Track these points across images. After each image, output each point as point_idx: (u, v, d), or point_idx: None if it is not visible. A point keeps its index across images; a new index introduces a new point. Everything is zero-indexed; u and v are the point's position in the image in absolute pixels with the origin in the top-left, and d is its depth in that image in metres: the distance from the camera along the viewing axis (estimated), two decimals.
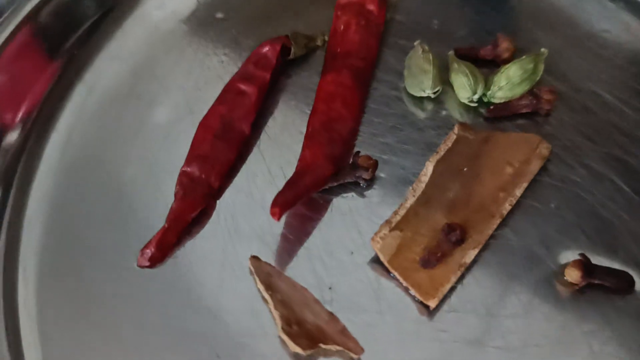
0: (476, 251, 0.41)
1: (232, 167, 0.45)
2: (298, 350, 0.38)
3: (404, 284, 0.41)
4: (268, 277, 0.41)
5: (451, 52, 0.48)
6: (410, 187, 0.43)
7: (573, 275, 0.40)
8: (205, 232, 0.44)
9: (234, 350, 0.40)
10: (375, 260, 0.42)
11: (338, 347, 0.38)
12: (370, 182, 0.45)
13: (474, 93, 0.46)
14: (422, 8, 0.52)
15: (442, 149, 0.43)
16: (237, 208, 0.44)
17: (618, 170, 0.44)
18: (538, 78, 0.47)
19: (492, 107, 0.46)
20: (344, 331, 0.39)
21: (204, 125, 0.45)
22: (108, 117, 0.48)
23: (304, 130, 0.46)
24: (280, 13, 0.52)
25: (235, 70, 0.49)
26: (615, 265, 0.42)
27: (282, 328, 0.38)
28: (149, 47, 0.51)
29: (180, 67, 0.50)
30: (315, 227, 0.43)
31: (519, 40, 0.49)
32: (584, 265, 0.40)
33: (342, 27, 0.49)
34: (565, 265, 0.41)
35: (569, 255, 0.42)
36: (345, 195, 0.45)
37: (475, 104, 0.47)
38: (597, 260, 0.41)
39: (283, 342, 0.39)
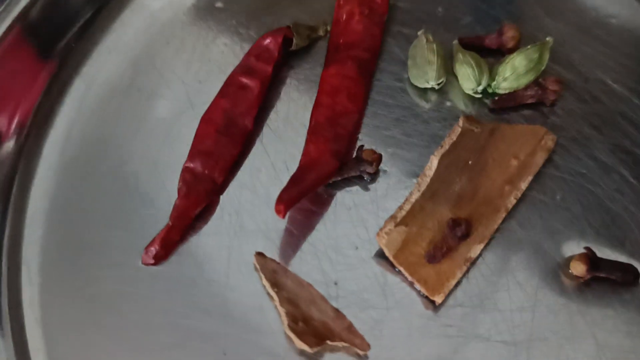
0: (482, 245, 0.42)
1: (235, 162, 0.46)
2: (305, 347, 0.39)
3: (410, 279, 0.42)
4: (274, 274, 0.41)
5: (456, 42, 0.48)
6: (416, 182, 0.44)
7: (578, 268, 0.41)
8: (209, 229, 0.44)
9: (240, 347, 0.41)
10: (381, 255, 0.43)
11: (344, 344, 0.39)
12: (374, 176, 0.45)
13: (479, 84, 0.46)
14: None
15: (447, 143, 0.44)
16: (242, 204, 0.45)
17: (626, 162, 0.45)
18: (543, 67, 0.47)
19: (497, 98, 0.47)
20: (350, 328, 0.40)
21: (206, 120, 0.46)
22: (108, 112, 0.48)
23: (307, 123, 0.47)
24: (280, 1, 0.52)
25: (236, 61, 0.49)
26: (622, 258, 0.43)
27: (288, 325, 0.39)
28: (147, 39, 0.51)
29: (180, 58, 0.50)
30: (319, 222, 0.44)
31: (524, 27, 0.49)
32: (590, 258, 0.41)
33: (344, 16, 0.49)
34: (571, 258, 0.42)
35: (575, 248, 0.43)
36: (349, 189, 0.45)
37: (480, 95, 0.47)
38: (604, 252, 0.42)
39: (290, 338, 0.40)
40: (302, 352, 0.40)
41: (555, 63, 0.48)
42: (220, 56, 0.50)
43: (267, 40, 0.47)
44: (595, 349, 0.40)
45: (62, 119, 0.48)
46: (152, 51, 0.51)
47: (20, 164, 0.47)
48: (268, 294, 0.42)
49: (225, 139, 0.45)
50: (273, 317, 0.41)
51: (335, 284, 0.42)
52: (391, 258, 0.42)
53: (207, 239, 0.44)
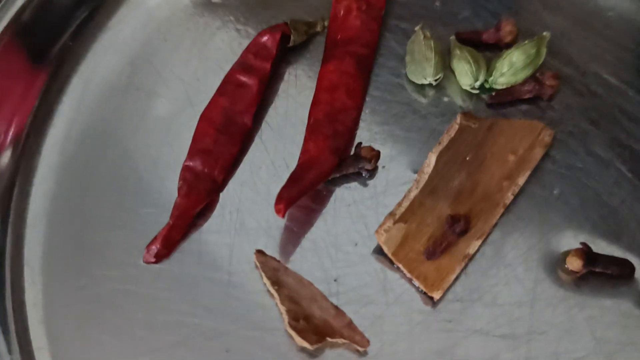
0: (480, 241, 0.43)
1: (235, 160, 0.47)
2: (305, 344, 0.40)
3: (409, 275, 0.42)
4: (274, 272, 0.42)
5: (453, 37, 0.49)
6: (414, 178, 0.45)
7: (575, 264, 0.42)
8: (210, 226, 0.45)
9: (243, 344, 0.42)
10: (380, 251, 0.44)
11: (345, 341, 0.40)
12: (372, 172, 0.46)
13: (476, 80, 0.47)
14: None
15: (445, 140, 0.44)
16: (242, 201, 0.46)
17: (623, 157, 0.46)
18: (541, 62, 0.48)
19: (494, 94, 0.47)
20: (350, 325, 0.41)
21: (205, 118, 0.47)
22: (107, 111, 0.49)
23: (306, 119, 0.47)
24: None
25: (235, 58, 0.49)
26: (619, 252, 0.43)
27: (289, 323, 0.40)
28: (144, 36, 0.52)
29: (178, 56, 0.51)
30: (319, 219, 0.45)
31: (522, 20, 0.50)
32: (586, 254, 0.42)
33: (342, 12, 0.50)
34: (568, 253, 0.43)
35: (573, 242, 0.44)
36: (348, 185, 0.46)
37: (477, 91, 0.48)
38: (601, 246, 0.43)
39: (291, 336, 0.41)
40: (303, 349, 0.41)
41: (552, 57, 0.49)
42: (218, 53, 0.51)
43: (265, 38, 0.48)
44: (593, 342, 0.41)
45: (61, 119, 0.49)
46: (150, 49, 0.51)
47: (20, 165, 0.47)
48: (269, 291, 0.43)
49: (224, 137, 0.46)
50: (275, 314, 0.42)
51: (336, 280, 0.43)
52: (390, 255, 0.42)
53: (208, 237, 0.45)
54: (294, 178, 0.43)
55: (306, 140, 0.46)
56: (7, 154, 0.48)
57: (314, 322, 0.41)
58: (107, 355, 0.42)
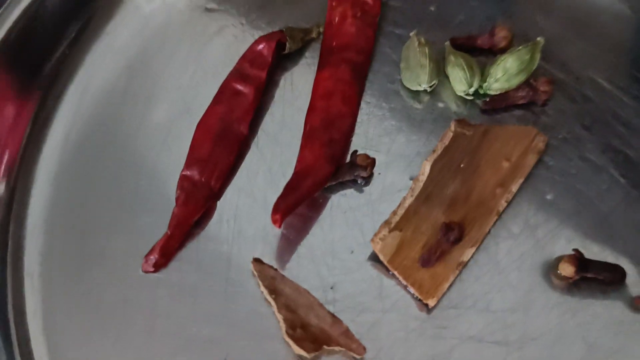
0: (474, 249, 0.44)
1: (232, 167, 0.47)
2: (302, 353, 0.41)
3: (404, 283, 0.43)
4: (272, 280, 0.43)
5: (447, 43, 0.49)
6: (409, 185, 0.45)
7: (567, 270, 0.43)
8: (208, 234, 0.46)
9: (241, 352, 0.42)
10: (376, 258, 0.44)
11: (341, 348, 0.41)
12: (368, 179, 0.47)
13: (470, 87, 0.48)
14: None
15: (440, 148, 0.45)
16: (239, 209, 0.46)
17: (616, 162, 0.47)
18: (535, 67, 0.48)
19: (488, 99, 0.48)
20: (347, 333, 0.42)
21: (202, 127, 0.47)
22: (105, 118, 0.50)
23: (302, 126, 0.48)
24: (272, 2, 0.53)
25: (231, 64, 0.50)
26: (611, 257, 0.44)
27: (286, 332, 0.41)
28: (140, 42, 0.52)
29: (175, 62, 0.51)
30: (315, 226, 0.46)
31: (516, 24, 0.51)
32: (578, 260, 0.43)
33: (337, 18, 0.50)
34: (560, 259, 0.44)
35: (566, 248, 0.44)
36: (344, 192, 0.47)
37: (472, 97, 0.48)
38: (593, 252, 0.44)
39: (288, 344, 0.42)
40: (300, 357, 0.42)
41: (546, 62, 0.50)
42: (214, 59, 0.51)
43: (261, 46, 0.48)
44: (585, 347, 0.42)
45: (59, 127, 0.49)
46: (146, 55, 0.52)
47: (19, 174, 0.48)
48: (266, 299, 0.43)
49: (221, 146, 0.47)
50: (272, 322, 0.43)
51: (332, 288, 0.44)
52: (386, 263, 0.43)
53: (206, 245, 0.46)
54: (290, 187, 0.44)
55: (302, 148, 0.47)
56: (5, 163, 0.48)
57: (310, 330, 0.42)
58: None
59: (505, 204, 0.45)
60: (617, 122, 0.48)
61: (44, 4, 0.50)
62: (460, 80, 0.48)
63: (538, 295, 0.43)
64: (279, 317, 0.42)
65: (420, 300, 0.43)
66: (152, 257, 0.44)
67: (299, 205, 0.44)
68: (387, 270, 0.44)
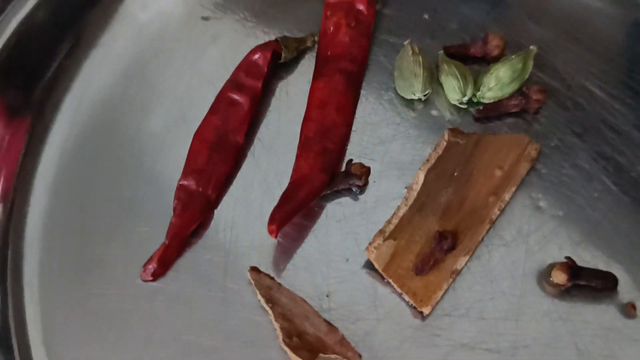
0: (467, 257, 0.45)
1: (228, 176, 0.48)
2: None
3: (399, 290, 0.44)
4: (268, 290, 0.44)
5: (441, 52, 0.50)
6: (404, 193, 0.46)
7: (559, 277, 0.44)
8: (205, 243, 0.47)
9: None
10: (371, 266, 0.45)
11: (337, 357, 0.42)
12: (363, 187, 0.48)
13: (464, 95, 0.49)
14: (412, 1, 0.54)
15: (433, 157, 0.46)
16: (235, 219, 0.47)
17: (607, 170, 0.48)
18: (527, 76, 0.49)
19: (481, 108, 0.49)
20: (342, 341, 0.43)
21: (198, 137, 0.48)
22: (102, 126, 0.51)
23: (297, 135, 0.49)
24: (268, 11, 0.54)
25: (226, 73, 0.51)
26: (602, 264, 0.45)
27: (283, 340, 0.42)
28: (136, 52, 0.53)
29: (170, 70, 0.52)
30: (311, 235, 0.47)
31: (509, 32, 0.52)
32: (570, 268, 0.44)
33: (331, 28, 0.51)
34: (553, 266, 0.45)
35: (557, 256, 0.45)
36: (339, 200, 0.48)
37: (465, 106, 0.49)
38: (585, 259, 0.45)
39: (284, 352, 0.43)
40: None
41: (538, 69, 0.51)
42: (210, 67, 0.52)
43: (256, 56, 0.49)
44: (577, 354, 0.43)
45: (56, 136, 0.50)
46: (142, 64, 0.53)
47: (18, 184, 0.49)
48: (263, 307, 0.44)
49: (217, 156, 0.48)
50: (268, 330, 0.44)
51: (327, 296, 0.45)
52: (381, 271, 0.44)
53: (203, 254, 0.47)
54: (285, 197, 0.45)
55: (297, 158, 0.48)
56: (4, 174, 0.49)
57: (307, 338, 0.43)
58: None
59: (498, 213, 0.46)
60: (609, 129, 0.49)
61: (40, 15, 0.51)
62: (453, 89, 0.49)
63: (530, 302, 0.44)
64: (276, 325, 0.43)
65: (414, 308, 0.44)
66: (150, 266, 0.45)
67: (294, 215, 0.45)
68: (382, 278, 0.45)
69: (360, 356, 0.43)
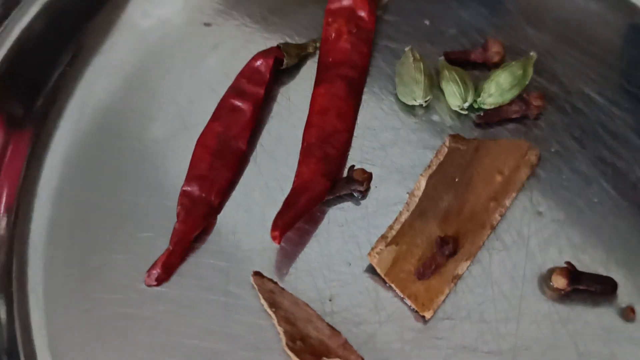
0: (468, 262, 0.46)
1: (231, 182, 0.49)
2: None
3: (401, 295, 0.45)
4: (271, 294, 0.45)
5: (441, 58, 0.51)
6: (405, 198, 0.47)
7: (560, 282, 0.45)
8: (207, 248, 0.48)
9: None
10: (373, 271, 0.46)
11: None
12: (364, 193, 0.49)
13: (465, 101, 0.50)
14: (412, 7, 0.55)
15: (435, 163, 0.47)
16: (237, 224, 0.48)
17: (606, 174, 0.49)
18: (527, 82, 0.50)
19: (482, 114, 0.50)
20: (345, 345, 0.44)
21: (201, 143, 0.49)
22: (104, 133, 0.51)
23: (299, 141, 0.50)
24: (269, 17, 0.55)
25: (227, 80, 0.52)
26: (602, 268, 0.46)
27: (287, 344, 0.43)
28: (137, 59, 0.54)
29: (171, 78, 0.53)
30: (313, 240, 0.48)
31: (508, 38, 0.53)
32: (570, 272, 0.45)
33: (333, 35, 0.52)
34: (552, 270, 0.46)
35: (557, 260, 0.47)
36: (340, 206, 0.49)
37: (466, 112, 0.51)
38: (584, 263, 0.46)
39: (287, 356, 0.44)
40: None
41: (538, 75, 0.52)
42: (211, 74, 0.53)
43: (258, 62, 0.50)
44: (577, 356, 0.44)
45: (59, 145, 0.51)
46: (143, 71, 0.53)
47: (21, 191, 0.50)
48: (266, 312, 0.45)
49: (219, 162, 0.49)
50: (271, 334, 0.45)
51: (330, 300, 0.46)
52: (383, 276, 0.45)
53: (206, 260, 0.47)
54: (288, 203, 0.46)
55: (299, 164, 0.49)
56: (8, 182, 0.50)
57: (310, 342, 0.44)
58: None
59: (499, 218, 0.47)
60: (608, 134, 0.50)
61: (41, 24, 0.52)
62: (454, 95, 0.50)
63: (530, 306, 0.46)
64: (279, 329, 0.44)
65: (415, 311, 0.45)
66: (154, 271, 0.46)
67: (297, 221, 0.46)
68: (384, 282, 0.46)
69: (362, 359, 0.44)
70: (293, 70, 0.53)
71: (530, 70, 0.50)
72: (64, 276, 0.47)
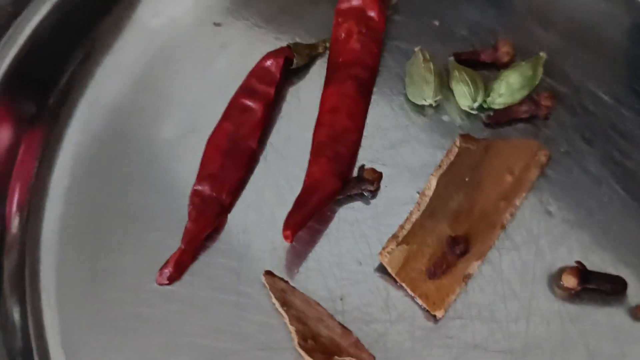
0: (479, 262, 0.47)
1: (242, 181, 0.50)
2: None
3: (412, 294, 0.46)
4: (282, 293, 0.46)
5: (451, 58, 0.52)
6: (416, 198, 0.48)
7: (570, 281, 0.46)
8: (218, 247, 0.49)
9: None
10: (383, 270, 0.47)
11: (351, 358, 0.44)
12: (374, 192, 0.50)
13: (474, 101, 0.50)
14: (422, 7, 0.56)
15: (445, 163, 0.48)
16: (248, 223, 0.49)
17: (616, 175, 0.50)
18: (537, 82, 0.51)
19: (492, 114, 0.51)
20: (356, 343, 0.45)
21: (211, 143, 0.50)
22: (114, 134, 0.52)
23: (309, 140, 0.51)
24: (279, 16, 0.56)
25: (237, 79, 0.53)
26: (611, 267, 0.47)
27: (298, 343, 0.44)
28: (147, 59, 0.55)
29: (181, 78, 0.54)
30: (323, 239, 0.49)
31: (518, 38, 0.53)
32: (580, 272, 0.46)
33: (343, 35, 0.53)
34: (562, 269, 0.47)
35: (567, 259, 0.47)
36: (351, 205, 0.50)
37: (476, 112, 0.51)
38: (594, 262, 0.47)
39: (299, 354, 0.45)
40: None
41: (547, 75, 0.52)
42: (220, 74, 0.54)
43: (269, 62, 0.51)
44: (586, 354, 0.45)
45: (70, 145, 0.52)
46: (153, 71, 0.54)
47: (33, 192, 0.50)
48: (278, 311, 0.46)
49: (230, 162, 0.49)
50: (283, 333, 0.46)
51: (341, 299, 0.47)
52: (394, 275, 0.46)
53: (216, 259, 0.48)
54: (299, 203, 0.47)
55: (310, 163, 0.49)
56: (20, 182, 0.51)
57: (321, 341, 0.45)
58: None
59: (509, 218, 0.48)
60: (617, 134, 0.51)
61: (52, 24, 0.53)
62: (464, 95, 0.50)
63: (540, 305, 0.46)
64: (291, 328, 0.45)
65: (426, 310, 0.46)
66: (166, 270, 0.47)
67: (309, 220, 0.46)
68: (394, 281, 0.47)
69: (374, 358, 0.45)
70: (302, 70, 0.54)
71: (540, 71, 0.51)
72: (75, 275, 0.48)
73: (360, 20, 0.53)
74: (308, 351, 0.44)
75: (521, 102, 0.51)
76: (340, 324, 0.46)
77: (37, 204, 0.50)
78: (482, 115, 0.52)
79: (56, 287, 0.48)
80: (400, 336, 0.46)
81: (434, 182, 0.47)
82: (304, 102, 0.53)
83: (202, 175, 0.49)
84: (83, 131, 0.52)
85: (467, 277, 0.46)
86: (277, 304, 0.46)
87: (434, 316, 0.46)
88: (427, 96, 0.51)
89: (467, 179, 0.48)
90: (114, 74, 0.54)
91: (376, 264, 0.48)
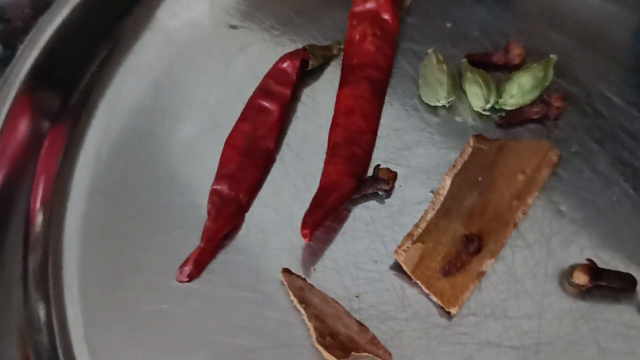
0: (493, 260, 0.48)
1: (259, 181, 0.52)
2: (332, 359, 0.45)
3: (427, 292, 0.47)
4: (301, 291, 0.47)
5: (464, 60, 0.53)
6: (430, 197, 0.49)
7: (581, 278, 0.47)
8: (236, 246, 0.50)
9: None
10: (399, 268, 0.48)
11: (369, 355, 0.46)
12: (389, 192, 0.51)
13: (487, 102, 0.52)
14: (435, 10, 0.57)
15: (459, 163, 0.49)
16: (266, 222, 0.50)
17: (626, 175, 0.51)
18: (548, 84, 0.52)
19: (504, 115, 0.52)
20: (373, 340, 0.46)
21: (229, 144, 0.51)
22: (134, 133, 0.54)
23: (325, 141, 0.52)
24: (294, 19, 0.57)
25: (255, 80, 0.54)
26: (622, 265, 0.48)
27: (317, 340, 0.45)
28: (167, 60, 0.56)
29: (200, 78, 0.55)
30: (339, 238, 0.50)
31: (530, 40, 0.55)
32: (591, 269, 0.47)
33: (357, 37, 0.54)
34: (574, 267, 0.48)
35: (578, 257, 0.48)
36: (366, 205, 0.51)
37: (488, 113, 0.53)
38: (604, 260, 0.48)
39: (316, 351, 0.46)
40: None
41: (558, 77, 0.54)
42: (239, 75, 0.55)
43: (285, 64, 0.52)
44: (598, 351, 0.46)
45: (91, 145, 0.53)
46: (173, 71, 0.56)
47: (55, 190, 0.52)
48: (296, 308, 0.48)
49: (248, 162, 0.51)
50: (301, 331, 0.47)
51: (357, 297, 0.48)
52: (409, 273, 0.47)
53: (235, 257, 0.50)
54: (316, 202, 0.48)
55: (326, 163, 0.51)
56: (43, 182, 0.52)
57: (339, 338, 0.46)
58: None
59: (522, 216, 0.49)
60: (627, 135, 0.52)
61: (75, 24, 0.54)
62: (477, 96, 0.52)
63: (552, 303, 0.47)
64: (309, 325, 0.46)
65: (441, 307, 0.47)
66: (186, 268, 0.48)
67: (325, 219, 0.48)
68: (410, 279, 0.48)
69: (390, 355, 0.46)
70: (318, 71, 0.55)
71: (551, 72, 0.52)
72: (97, 272, 0.49)
73: (374, 23, 0.54)
74: (327, 348, 0.45)
75: (532, 103, 0.52)
76: (357, 321, 0.47)
77: (59, 202, 0.52)
78: (494, 116, 0.53)
79: (79, 284, 0.49)
80: (416, 333, 0.47)
81: (448, 182, 0.48)
82: (319, 102, 0.54)
83: (221, 175, 0.50)
84: (104, 130, 0.54)
85: (480, 275, 0.48)
86: (295, 302, 0.47)
87: (449, 313, 0.47)
88: (440, 97, 0.52)
89: (480, 179, 0.49)
90: (133, 75, 0.56)
91: (391, 262, 0.49)
